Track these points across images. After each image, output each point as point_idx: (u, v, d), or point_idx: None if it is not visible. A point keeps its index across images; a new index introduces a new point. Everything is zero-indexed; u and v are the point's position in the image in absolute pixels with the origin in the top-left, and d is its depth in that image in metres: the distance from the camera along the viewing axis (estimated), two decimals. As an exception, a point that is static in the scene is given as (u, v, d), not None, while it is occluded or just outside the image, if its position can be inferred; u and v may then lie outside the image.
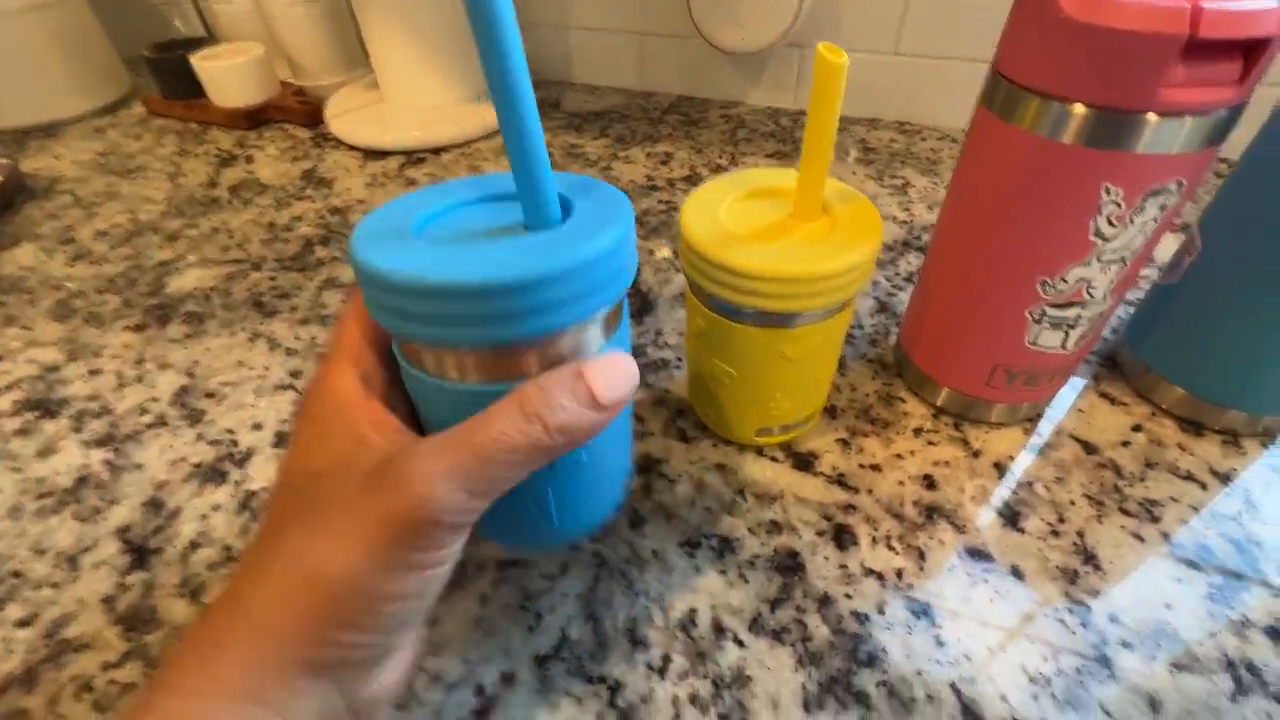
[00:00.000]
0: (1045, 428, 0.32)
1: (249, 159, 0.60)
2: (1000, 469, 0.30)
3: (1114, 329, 0.37)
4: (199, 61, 0.64)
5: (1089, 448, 0.31)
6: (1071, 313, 0.27)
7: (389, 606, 0.16)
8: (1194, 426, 0.31)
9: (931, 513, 0.28)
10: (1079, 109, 0.22)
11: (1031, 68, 0.23)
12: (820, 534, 0.28)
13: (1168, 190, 0.23)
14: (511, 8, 0.15)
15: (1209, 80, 0.20)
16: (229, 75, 0.64)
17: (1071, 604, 0.25)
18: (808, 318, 0.25)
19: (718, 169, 0.54)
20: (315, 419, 0.18)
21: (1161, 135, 0.21)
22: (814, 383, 0.29)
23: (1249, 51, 0.20)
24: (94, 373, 0.37)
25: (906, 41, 0.56)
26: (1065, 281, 0.26)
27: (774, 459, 0.31)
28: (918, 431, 0.32)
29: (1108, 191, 0.23)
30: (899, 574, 0.26)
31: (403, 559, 0.15)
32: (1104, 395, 0.33)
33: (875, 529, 0.28)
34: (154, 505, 0.30)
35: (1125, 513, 0.28)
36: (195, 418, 0.34)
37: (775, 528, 0.28)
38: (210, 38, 0.76)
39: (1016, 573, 0.26)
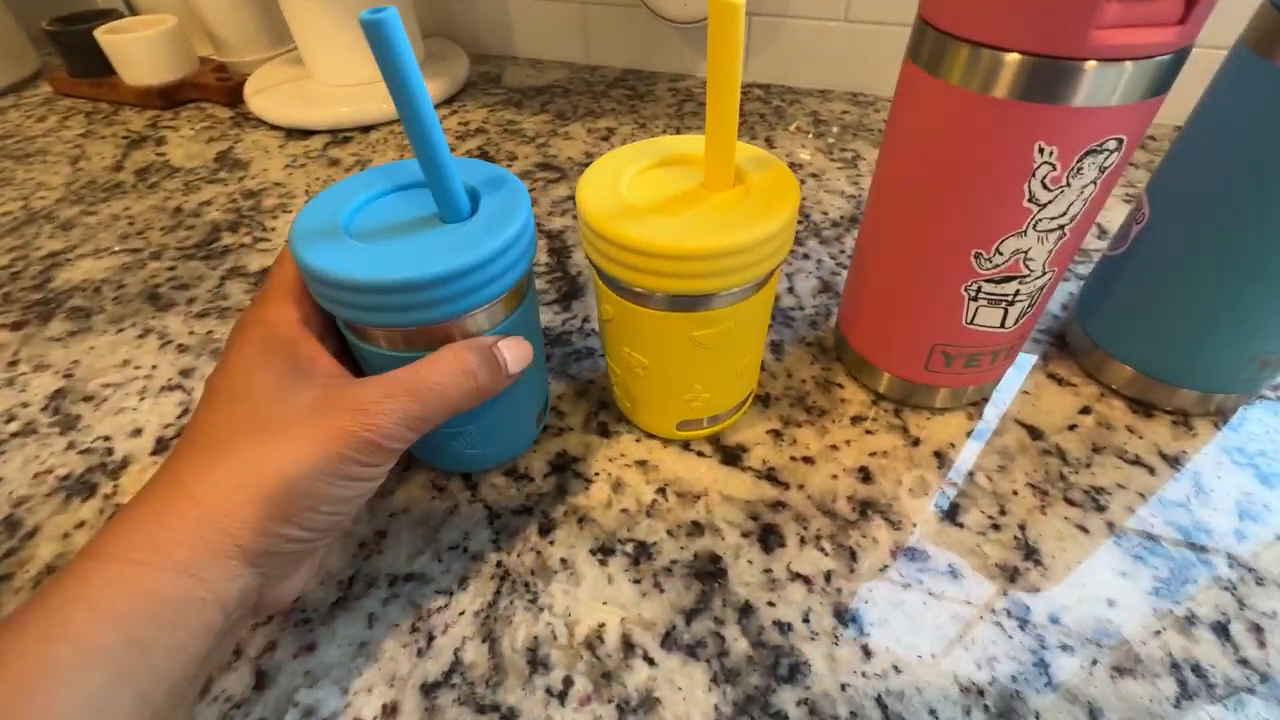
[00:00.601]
0: (990, 413, 0.30)
1: (160, 140, 0.56)
2: (941, 458, 0.28)
3: (1064, 305, 0.35)
4: (104, 35, 0.59)
5: (1034, 433, 0.29)
6: (1009, 288, 0.25)
7: (327, 507, 0.18)
8: (1144, 407, 0.30)
9: (866, 508, 0.26)
10: (1010, 58, 0.19)
11: (957, 12, 0.20)
12: (745, 535, 0.25)
13: (1106, 149, 0.21)
14: (408, 48, 0.18)
15: (1148, 20, 0.18)
16: (138, 50, 0.59)
17: (1010, 604, 0.23)
18: (722, 299, 0.23)
19: (661, 144, 0.51)
20: (257, 344, 0.20)
21: (1099, 85, 0.19)
22: (737, 371, 0.26)
23: None
24: (-41, 377, 0.34)
25: (858, 7, 0.54)
26: (1001, 254, 0.24)
27: (700, 453, 0.29)
28: (856, 420, 0.30)
29: (1041, 151, 0.21)
30: (827, 577, 0.24)
31: (347, 470, 0.18)
32: (1052, 376, 0.31)
33: (805, 528, 0.26)
34: (9, 525, 0.27)
35: (1070, 502, 0.26)
36: (68, 424, 0.31)
37: (697, 529, 0.26)
38: (128, 11, 0.70)
39: (953, 571, 0.24)
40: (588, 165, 0.50)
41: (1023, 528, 0.25)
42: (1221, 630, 0.22)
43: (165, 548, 0.16)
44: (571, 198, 0.46)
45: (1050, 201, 0.22)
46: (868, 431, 0.29)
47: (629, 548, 0.25)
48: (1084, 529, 0.25)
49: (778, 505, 0.26)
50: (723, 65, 0.20)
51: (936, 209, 0.24)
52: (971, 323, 0.26)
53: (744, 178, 0.23)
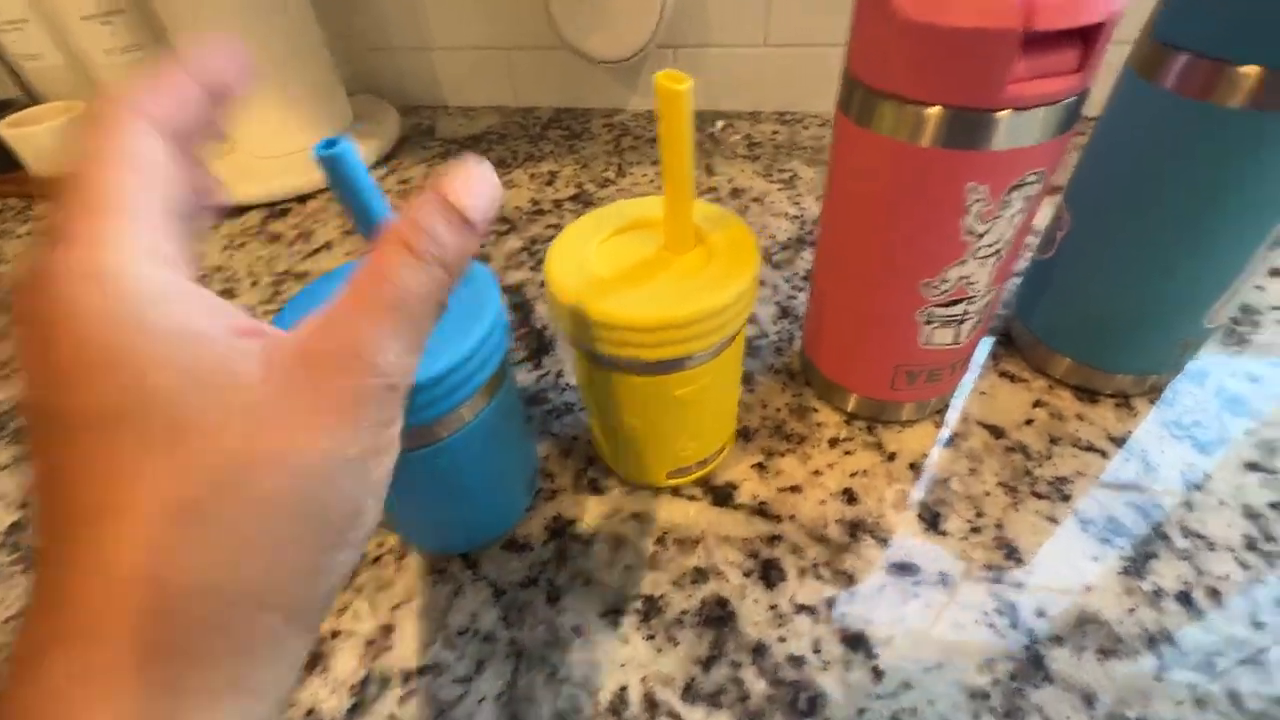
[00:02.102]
0: (953, 417, 0.32)
1: (84, 233, 0.53)
2: (916, 469, 0.30)
3: (1005, 303, 0.37)
4: (7, 130, 0.56)
5: (996, 432, 0.31)
6: (958, 309, 0.27)
7: (372, 508, 0.14)
8: (1088, 394, 0.32)
9: (855, 529, 0.27)
10: (932, 111, 0.21)
11: (880, 71, 0.22)
12: (748, 574, 0.26)
13: (1028, 181, 0.23)
14: (365, 172, 0.18)
15: (1053, 70, 0.20)
16: (47, 140, 0.56)
17: (1001, 605, 0.25)
18: (697, 359, 0.24)
19: (605, 183, 0.52)
20: (101, 316, 0.11)
21: (1016, 130, 0.21)
22: (719, 417, 0.27)
23: (1086, 38, 0.20)
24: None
25: (775, 32, 0.56)
26: (946, 281, 0.26)
27: (692, 497, 0.29)
28: (833, 442, 0.31)
29: (973, 191, 0.23)
30: (830, 604, 0.25)
31: (375, 441, 0.13)
32: (1003, 374, 0.34)
33: (802, 558, 0.27)
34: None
35: (1038, 495, 0.28)
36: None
37: (701, 575, 0.26)
38: (28, 98, 0.67)
39: (944, 580, 0.26)
40: (536, 212, 0.50)
41: (1000, 527, 0.27)
42: (1185, 599, 0.24)
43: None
44: (525, 249, 0.46)
45: (985, 232, 0.24)
46: (846, 452, 0.31)
47: (638, 604, 0.26)
48: (1053, 519, 0.27)
49: (774, 539, 0.27)
50: (674, 144, 0.21)
51: (881, 248, 0.25)
52: (928, 344, 0.28)
53: (704, 237, 0.24)
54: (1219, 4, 0.22)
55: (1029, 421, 0.31)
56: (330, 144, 0.17)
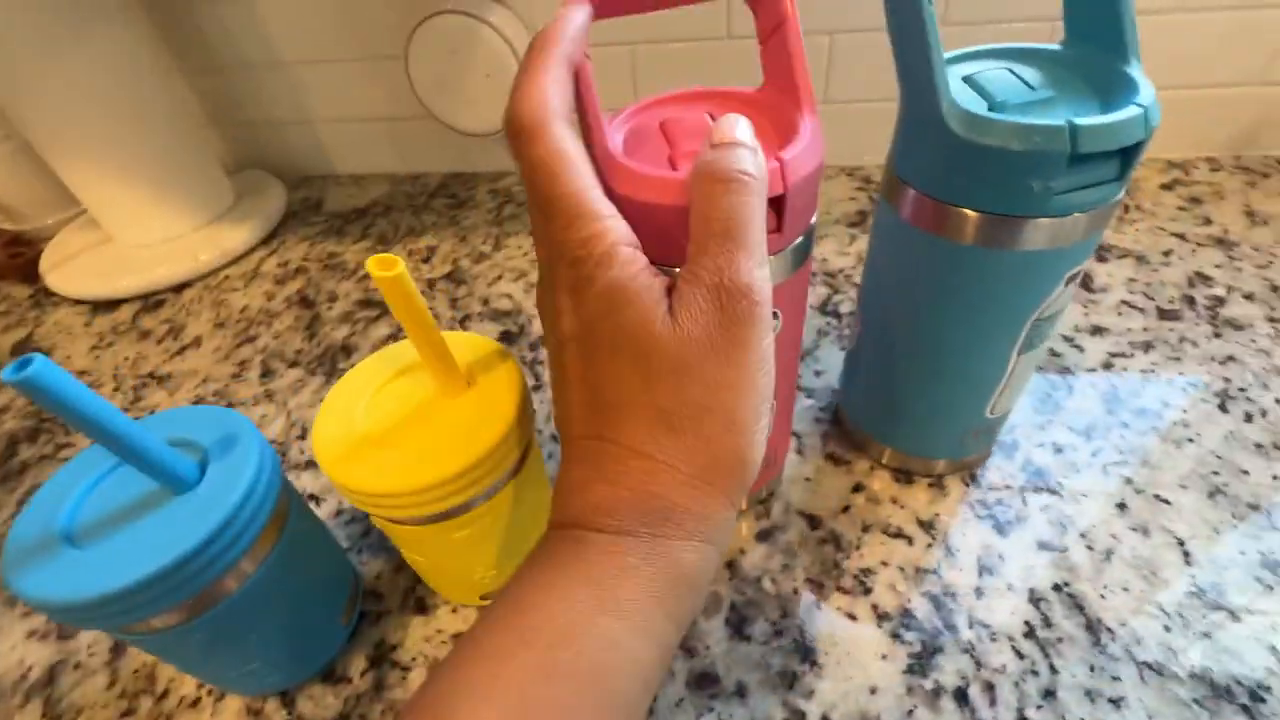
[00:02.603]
0: (776, 508, 0.33)
1: (-52, 339, 0.52)
2: (732, 568, 0.30)
3: (836, 386, 0.38)
4: None
5: (814, 522, 0.32)
6: None
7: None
8: (905, 475, 0.33)
9: (665, 639, 0.28)
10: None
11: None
12: (555, 696, 0.27)
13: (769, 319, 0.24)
14: (71, 382, 0.18)
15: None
16: (-90, 242, 0.55)
17: (789, 714, 0.25)
18: (473, 502, 0.24)
19: (480, 258, 0.53)
20: (643, 291, 0.17)
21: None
22: (521, 540, 0.28)
23: (775, 205, 0.20)
24: None
25: (643, 88, 0.57)
26: None
27: (514, 612, 0.30)
28: (658, 542, 0.32)
29: None
30: (629, 725, 0.26)
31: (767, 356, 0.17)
32: (830, 456, 0.35)
33: (610, 674, 0.27)
34: None
35: (842, 590, 0.29)
36: None
37: (510, 700, 0.27)
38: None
39: (741, 691, 0.26)
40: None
41: (801, 630, 0.28)
42: (961, 696, 0.25)
43: (684, 523, 0.17)
44: (391, 336, 0.46)
45: None
46: (668, 553, 0.31)
47: (444, 738, 0.26)
48: (853, 616, 0.28)
49: (586, 655, 0.28)
50: (405, 317, 0.21)
51: None
52: None
53: (474, 378, 0.25)
54: (931, 154, 0.23)
55: (846, 509, 0.32)
56: (22, 365, 0.17)
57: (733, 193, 0.17)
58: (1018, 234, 0.22)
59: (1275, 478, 0.31)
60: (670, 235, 0.20)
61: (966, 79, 0.23)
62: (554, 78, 0.17)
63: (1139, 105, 0.20)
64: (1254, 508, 0.30)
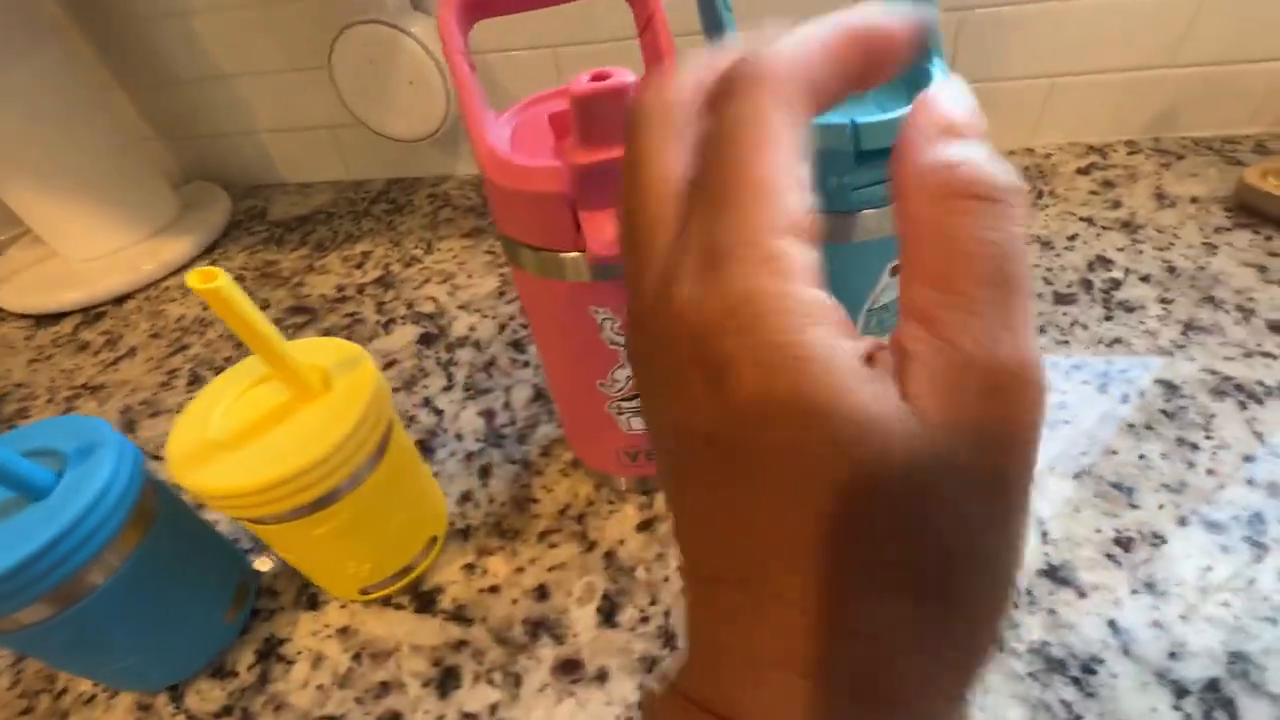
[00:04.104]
0: (660, 498, 0.33)
1: (-102, 356, 0.54)
2: (610, 559, 0.31)
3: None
4: None
5: (693, 511, 0.33)
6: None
7: None
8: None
9: (537, 629, 0.29)
10: (527, 253, 0.23)
11: (505, 224, 0.24)
12: (426, 684, 0.28)
13: None
14: None
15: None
16: None
17: (644, 695, 0.26)
18: (325, 500, 0.25)
19: (411, 261, 0.54)
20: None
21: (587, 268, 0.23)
22: (391, 536, 0.29)
23: None
24: None
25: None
26: (616, 380, 0.28)
27: (399, 606, 0.31)
28: (543, 535, 0.33)
29: (598, 312, 0.25)
30: (493, 710, 0.27)
31: None
32: (718, 448, 0.35)
33: (480, 663, 0.28)
34: None
35: (711, 577, 0.30)
36: None
37: (384, 689, 0.28)
38: None
39: (602, 676, 0.27)
40: (340, 299, 0.51)
41: (667, 615, 0.29)
42: (810, 676, 0.26)
43: None
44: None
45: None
46: (551, 545, 0.32)
47: (318, 727, 0.27)
48: (718, 602, 0.29)
49: (461, 645, 0.29)
50: (238, 327, 0.22)
51: (558, 356, 0.28)
52: (631, 430, 0.30)
53: (331, 382, 0.26)
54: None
55: (726, 498, 0.33)
56: None
57: (1001, 217, 0.10)
58: (825, 230, 0.23)
59: (1141, 457, 0.31)
60: (545, 218, 0.21)
61: None
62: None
63: None
64: (1116, 486, 0.30)
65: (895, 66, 0.12)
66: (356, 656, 0.29)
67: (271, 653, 0.30)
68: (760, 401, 0.10)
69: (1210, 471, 0.30)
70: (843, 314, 0.10)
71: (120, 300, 0.56)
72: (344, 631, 0.30)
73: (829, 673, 0.10)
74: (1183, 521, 0.29)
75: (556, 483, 0.35)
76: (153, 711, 0.29)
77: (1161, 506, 0.29)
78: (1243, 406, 0.32)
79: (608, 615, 0.29)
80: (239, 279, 0.58)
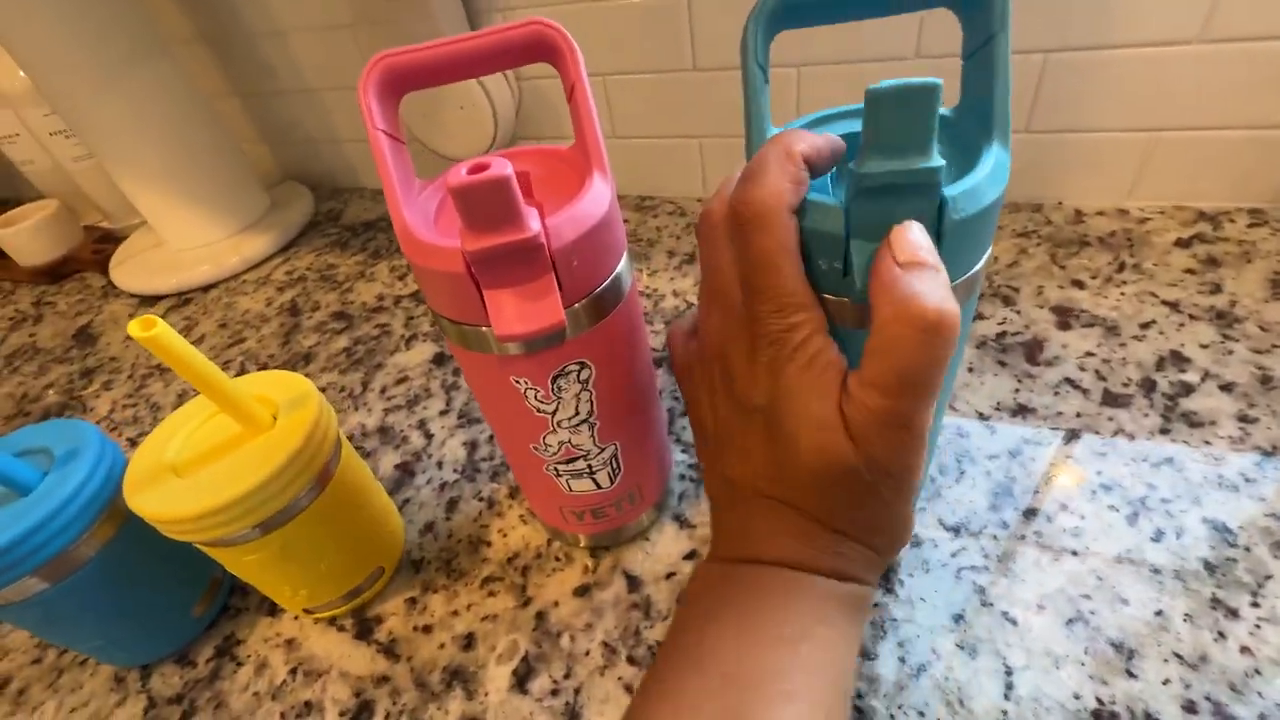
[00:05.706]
0: (605, 563, 0.33)
1: (39, 319, 0.64)
2: (541, 619, 0.31)
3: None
4: (-5, 229, 0.68)
5: (634, 583, 0.31)
6: (580, 464, 0.28)
7: None
8: (742, 548, 0.32)
9: (453, 679, 0.29)
10: (448, 325, 0.23)
11: (433, 302, 0.24)
12: (343, 714, 0.29)
13: (571, 370, 0.24)
14: None
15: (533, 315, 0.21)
16: (23, 237, 0.68)
17: (532, 776, 0.26)
18: (255, 532, 0.27)
19: (448, 278, 0.56)
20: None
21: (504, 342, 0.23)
22: (322, 570, 0.30)
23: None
24: None
25: (621, 127, 0.57)
26: (549, 446, 0.27)
27: (341, 628, 0.32)
28: (486, 581, 0.33)
29: (519, 382, 0.25)
30: (392, 755, 0.27)
31: None
32: (678, 518, 0.34)
33: (395, 703, 0.29)
34: None
35: (631, 661, 0.29)
36: None
37: (307, 710, 0.29)
38: (23, 197, 0.80)
39: (499, 743, 0.27)
40: (376, 309, 0.54)
41: (578, 691, 0.28)
42: (701, 795, 0.24)
43: (860, 576, 0.21)
44: (347, 350, 0.51)
45: (555, 409, 0.25)
46: (491, 594, 0.32)
47: (243, 734, 0.29)
48: (630, 688, 0.28)
49: (383, 680, 0.30)
50: (181, 370, 0.24)
51: (495, 420, 0.29)
52: (572, 491, 0.30)
53: (280, 416, 0.27)
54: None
55: (670, 575, 0.31)
56: None
57: (935, 348, 0.16)
58: (830, 313, 0.20)
59: (1158, 613, 0.26)
60: (455, 295, 0.21)
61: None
62: (792, 177, 0.18)
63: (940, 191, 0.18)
64: (1115, 645, 0.26)
65: (826, 168, 0.20)
66: (294, 671, 0.31)
67: (227, 651, 0.32)
68: (788, 395, 0.20)
69: (1245, 650, 0.25)
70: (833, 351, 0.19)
71: (207, 289, 0.63)
72: (290, 643, 0.32)
73: (817, 520, 0.21)
74: (1190, 707, 0.24)
75: (514, 528, 0.35)
76: (125, 684, 0.32)
77: (1167, 682, 0.24)
78: (1311, 572, 0.26)
79: (521, 679, 0.29)
80: (301, 280, 0.64)
